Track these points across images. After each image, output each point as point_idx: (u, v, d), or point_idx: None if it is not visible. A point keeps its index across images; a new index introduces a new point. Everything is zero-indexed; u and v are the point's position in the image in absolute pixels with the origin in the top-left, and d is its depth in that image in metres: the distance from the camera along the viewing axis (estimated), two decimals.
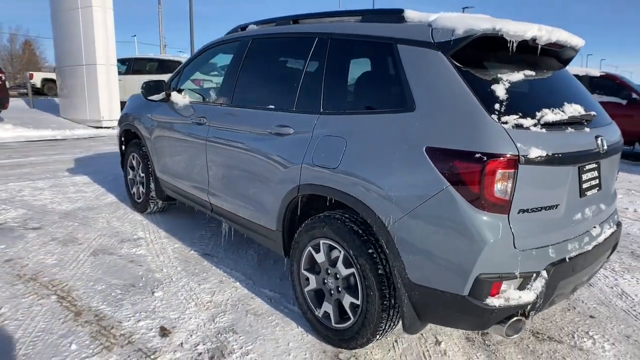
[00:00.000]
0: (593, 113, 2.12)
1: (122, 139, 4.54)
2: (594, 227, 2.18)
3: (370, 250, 2.05)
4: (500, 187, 1.74)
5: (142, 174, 4.23)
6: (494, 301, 1.80)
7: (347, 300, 2.21)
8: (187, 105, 3.46)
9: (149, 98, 3.61)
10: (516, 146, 1.73)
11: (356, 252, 2.09)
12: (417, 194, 1.86)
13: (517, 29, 1.91)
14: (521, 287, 1.85)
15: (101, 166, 6.47)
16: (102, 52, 10.52)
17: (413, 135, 1.90)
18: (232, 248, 3.59)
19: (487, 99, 1.82)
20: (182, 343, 2.31)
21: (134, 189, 4.43)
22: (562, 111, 1.97)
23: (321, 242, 2.30)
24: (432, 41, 1.96)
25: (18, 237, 3.66)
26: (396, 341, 2.39)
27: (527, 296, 1.84)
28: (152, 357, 2.19)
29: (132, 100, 4.49)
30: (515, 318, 1.86)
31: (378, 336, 2.15)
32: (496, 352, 2.34)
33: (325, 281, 2.35)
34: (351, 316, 2.20)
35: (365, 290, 2.08)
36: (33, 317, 2.48)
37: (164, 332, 2.41)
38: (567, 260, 1.95)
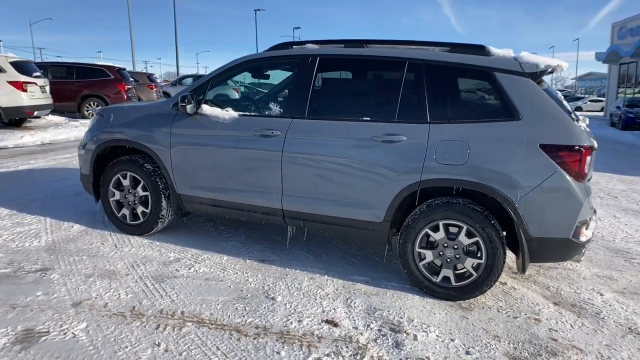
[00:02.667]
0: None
1: (96, 159, 4.05)
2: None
3: (492, 222, 2.86)
4: (587, 166, 2.78)
5: (142, 193, 3.92)
6: (582, 238, 2.85)
7: (469, 262, 2.96)
8: (235, 118, 3.51)
9: (187, 111, 3.49)
10: (591, 140, 2.80)
11: (482, 224, 2.86)
12: (537, 176, 2.76)
13: (565, 65, 2.99)
14: (587, 228, 2.95)
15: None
16: None
17: (527, 137, 2.78)
18: (278, 251, 3.81)
19: (566, 110, 2.84)
20: (355, 327, 2.68)
21: (124, 211, 4.03)
22: (580, 116, 3.15)
23: (440, 223, 2.97)
24: (523, 71, 2.87)
25: (38, 282, 3.07)
26: None
27: (590, 233, 2.96)
28: (353, 340, 2.52)
29: (113, 114, 4.04)
30: (584, 248, 2.95)
31: (496, 282, 2.97)
32: (536, 281, 3.44)
33: (441, 253, 3.03)
34: (473, 273, 2.96)
35: (491, 250, 2.87)
36: (214, 345, 2.43)
37: (332, 323, 2.70)
38: (595, 209, 3.16)
